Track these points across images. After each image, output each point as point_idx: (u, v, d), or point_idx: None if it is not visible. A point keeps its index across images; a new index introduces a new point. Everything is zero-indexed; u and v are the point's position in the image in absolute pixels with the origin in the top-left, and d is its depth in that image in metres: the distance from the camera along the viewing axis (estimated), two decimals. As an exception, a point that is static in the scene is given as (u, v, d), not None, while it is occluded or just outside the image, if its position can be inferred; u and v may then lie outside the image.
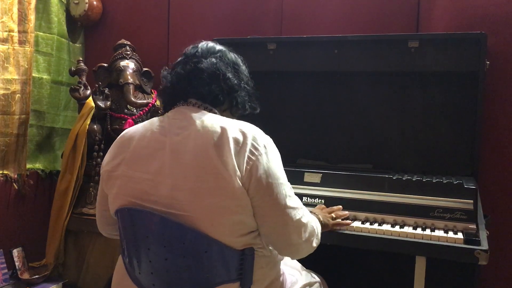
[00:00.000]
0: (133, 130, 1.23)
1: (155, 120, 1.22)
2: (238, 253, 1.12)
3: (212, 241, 1.08)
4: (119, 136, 1.25)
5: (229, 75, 1.23)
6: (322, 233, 1.34)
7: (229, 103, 1.26)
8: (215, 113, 1.21)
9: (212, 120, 1.14)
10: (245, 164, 1.07)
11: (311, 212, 1.43)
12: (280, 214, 1.12)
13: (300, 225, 1.17)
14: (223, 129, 1.10)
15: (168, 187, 1.10)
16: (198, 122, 1.13)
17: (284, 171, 1.17)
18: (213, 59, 1.23)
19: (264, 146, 1.11)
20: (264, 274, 1.18)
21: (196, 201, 1.07)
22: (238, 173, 1.06)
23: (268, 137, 1.16)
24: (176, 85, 1.25)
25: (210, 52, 1.25)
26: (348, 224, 1.59)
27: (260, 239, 1.16)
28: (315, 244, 1.26)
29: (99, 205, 1.31)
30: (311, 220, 1.23)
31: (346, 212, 1.65)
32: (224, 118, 1.17)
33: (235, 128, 1.11)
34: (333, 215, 1.57)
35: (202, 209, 1.07)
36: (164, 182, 1.10)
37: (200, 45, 1.28)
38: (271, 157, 1.11)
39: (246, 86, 1.29)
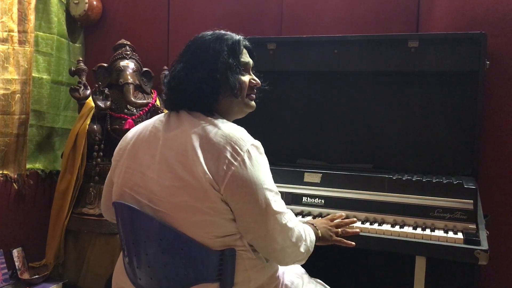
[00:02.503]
0: (142, 123, 1.27)
1: (161, 115, 1.25)
2: (217, 253, 1.11)
3: (188, 240, 1.09)
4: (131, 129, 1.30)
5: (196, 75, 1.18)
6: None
7: (215, 95, 1.20)
8: (213, 112, 1.19)
9: (200, 122, 1.14)
10: (225, 170, 1.06)
11: (310, 223, 1.41)
12: (265, 219, 1.11)
13: (286, 230, 1.15)
14: (207, 134, 1.10)
15: (151, 182, 1.13)
16: (189, 123, 1.15)
17: (270, 175, 1.14)
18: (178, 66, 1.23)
19: (248, 151, 1.09)
20: (248, 277, 1.15)
21: (170, 198, 1.09)
22: (210, 176, 1.05)
23: (254, 141, 1.13)
24: (166, 97, 1.26)
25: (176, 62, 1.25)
26: (351, 245, 1.47)
27: (242, 241, 1.14)
28: (303, 249, 1.22)
29: (106, 186, 1.34)
30: (298, 225, 1.21)
31: (357, 230, 1.52)
32: (217, 122, 1.14)
33: (219, 133, 1.10)
34: (339, 230, 1.50)
35: (174, 207, 1.09)
36: (150, 177, 1.13)
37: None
38: (254, 162, 1.09)
39: (211, 71, 1.19)
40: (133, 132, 1.27)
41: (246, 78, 1.26)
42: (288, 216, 1.17)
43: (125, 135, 1.29)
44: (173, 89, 1.22)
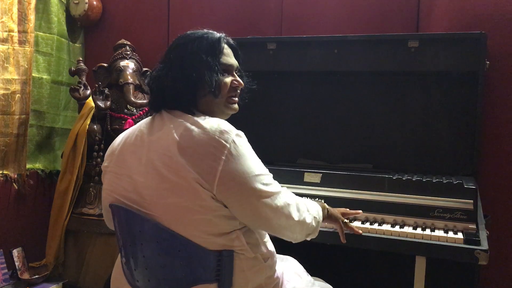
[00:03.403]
0: (130, 128, 1.27)
1: (147, 119, 1.24)
2: (215, 254, 1.11)
3: (184, 240, 1.08)
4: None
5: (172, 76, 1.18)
6: (324, 233, 1.34)
7: (192, 94, 1.20)
8: (193, 111, 1.18)
9: (181, 121, 1.13)
10: (214, 165, 1.05)
11: (318, 201, 1.44)
12: (264, 204, 1.11)
13: (287, 207, 1.16)
14: (190, 132, 1.09)
15: (139, 186, 1.12)
16: (170, 123, 1.14)
17: (258, 160, 1.14)
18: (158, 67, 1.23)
19: (233, 141, 1.08)
20: (246, 277, 1.15)
21: (160, 201, 1.09)
22: (197, 175, 1.05)
23: (237, 131, 1.12)
24: (149, 98, 1.27)
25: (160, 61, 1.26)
26: (343, 241, 1.52)
27: (240, 241, 1.13)
28: (309, 219, 1.24)
29: (103, 202, 1.33)
30: (296, 199, 1.22)
31: (360, 231, 1.56)
32: (198, 119, 1.13)
33: (201, 130, 1.09)
34: (344, 218, 1.53)
35: (165, 209, 1.09)
36: (138, 180, 1.13)
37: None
38: (241, 152, 1.09)
39: (187, 69, 1.18)
40: (120, 137, 1.26)
41: (227, 79, 1.23)
42: (285, 194, 1.18)
43: (114, 140, 1.27)
44: (152, 89, 1.22)
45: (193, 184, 1.05)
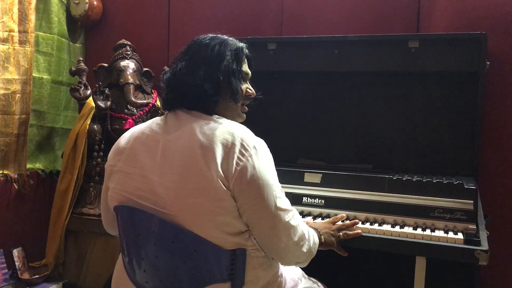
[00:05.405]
0: (135, 127, 1.26)
1: (156, 118, 1.25)
2: (229, 253, 1.11)
3: (200, 240, 1.08)
4: (125, 132, 1.28)
5: (199, 76, 1.18)
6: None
7: (216, 96, 1.21)
8: (211, 113, 1.20)
9: (204, 122, 1.14)
10: (234, 166, 1.07)
11: (314, 228, 1.42)
12: (269, 215, 1.12)
13: (289, 227, 1.16)
14: (212, 131, 1.11)
15: (155, 185, 1.12)
16: (190, 123, 1.15)
17: (275, 173, 1.16)
18: (180, 65, 1.23)
19: (254, 147, 1.10)
20: (257, 275, 1.17)
21: (178, 201, 1.08)
22: (221, 174, 1.06)
23: (259, 139, 1.16)
24: (166, 95, 1.26)
25: (177, 60, 1.25)
26: (344, 254, 1.53)
27: (252, 240, 1.15)
28: (305, 249, 1.23)
29: (104, 204, 1.31)
30: (301, 225, 1.22)
31: (359, 231, 1.56)
32: (219, 120, 1.16)
33: (225, 130, 1.11)
34: (341, 234, 1.52)
35: (184, 209, 1.08)
36: (153, 180, 1.12)
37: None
38: (261, 158, 1.11)
39: (216, 73, 1.20)
40: (127, 136, 1.24)
41: (243, 87, 1.28)
42: (292, 214, 1.18)
43: (117, 141, 1.26)
44: (173, 87, 1.22)
45: (216, 184, 1.06)
